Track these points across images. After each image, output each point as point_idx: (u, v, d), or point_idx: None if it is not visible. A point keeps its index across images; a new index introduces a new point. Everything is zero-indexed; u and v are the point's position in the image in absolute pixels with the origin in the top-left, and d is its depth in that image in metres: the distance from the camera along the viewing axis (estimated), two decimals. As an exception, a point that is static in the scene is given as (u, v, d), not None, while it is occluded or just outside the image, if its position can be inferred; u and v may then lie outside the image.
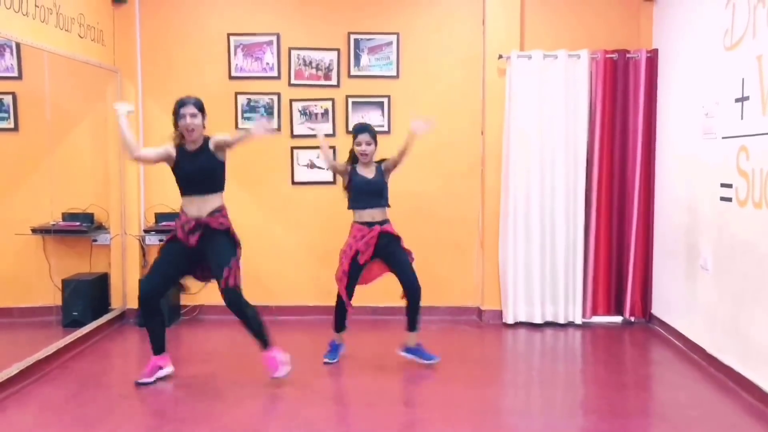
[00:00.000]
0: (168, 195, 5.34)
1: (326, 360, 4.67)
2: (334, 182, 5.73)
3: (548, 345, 5.38)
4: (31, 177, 5.45)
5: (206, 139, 4.19)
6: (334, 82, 5.87)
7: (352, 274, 4.50)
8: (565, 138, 5.59)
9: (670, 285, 5.35)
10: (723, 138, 4.42)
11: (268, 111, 5.85)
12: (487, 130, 5.77)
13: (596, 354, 5.26)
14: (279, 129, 5.84)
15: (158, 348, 4.33)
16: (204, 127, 4.19)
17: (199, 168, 4.16)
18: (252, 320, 4.20)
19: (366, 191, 4.53)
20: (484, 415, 3.86)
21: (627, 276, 5.65)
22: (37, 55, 4.70)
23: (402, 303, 4.58)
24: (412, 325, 4.59)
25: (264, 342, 4.24)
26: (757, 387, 3.96)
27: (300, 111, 5.88)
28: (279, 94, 5.87)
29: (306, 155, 5.90)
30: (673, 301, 5.29)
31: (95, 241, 5.72)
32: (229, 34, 5.84)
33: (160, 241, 5.42)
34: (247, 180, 5.84)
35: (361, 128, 4.60)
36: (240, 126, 5.80)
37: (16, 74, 5.34)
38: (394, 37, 5.85)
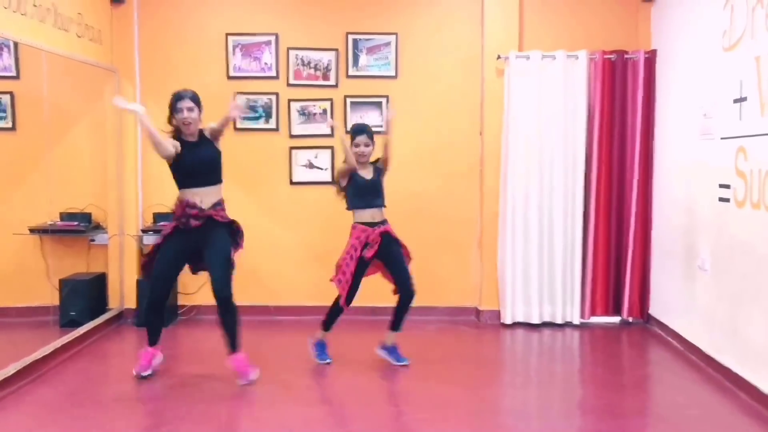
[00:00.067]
0: (166, 195, 5.31)
1: (323, 362, 4.64)
2: (332, 182, 5.72)
3: (546, 345, 5.38)
4: (28, 177, 5.44)
5: (201, 132, 4.24)
6: (332, 82, 5.87)
7: (358, 274, 4.47)
8: (563, 138, 5.59)
9: (668, 285, 5.35)
10: (721, 139, 4.42)
11: (267, 111, 5.85)
12: (486, 130, 5.77)
13: (594, 354, 5.27)
14: (278, 129, 5.85)
15: (154, 341, 4.39)
16: (200, 121, 4.22)
17: (201, 158, 4.19)
18: (233, 319, 4.21)
19: (366, 191, 4.53)
20: (482, 415, 3.86)
21: (625, 276, 5.65)
22: (35, 55, 4.69)
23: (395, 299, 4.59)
24: (396, 325, 4.61)
25: (235, 345, 4.24)
26: (755, 387, 3.96)
27: (298, 111, 5.87)
28: (277, 94, 5.86)
29: (304, 155, 5.90)
30: (672, 301, 5.29)
31: (93, 240, 5.72)
32: (227, 34, 5.83)
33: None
34: (246, 180, 5.83)
35: (360, 129, 4.60)
36: (238, 126, 5.81)
37: (13, 74, 5.35)
38: (392, 38, 5.85)
